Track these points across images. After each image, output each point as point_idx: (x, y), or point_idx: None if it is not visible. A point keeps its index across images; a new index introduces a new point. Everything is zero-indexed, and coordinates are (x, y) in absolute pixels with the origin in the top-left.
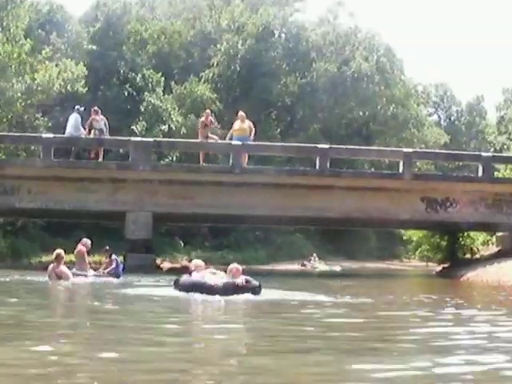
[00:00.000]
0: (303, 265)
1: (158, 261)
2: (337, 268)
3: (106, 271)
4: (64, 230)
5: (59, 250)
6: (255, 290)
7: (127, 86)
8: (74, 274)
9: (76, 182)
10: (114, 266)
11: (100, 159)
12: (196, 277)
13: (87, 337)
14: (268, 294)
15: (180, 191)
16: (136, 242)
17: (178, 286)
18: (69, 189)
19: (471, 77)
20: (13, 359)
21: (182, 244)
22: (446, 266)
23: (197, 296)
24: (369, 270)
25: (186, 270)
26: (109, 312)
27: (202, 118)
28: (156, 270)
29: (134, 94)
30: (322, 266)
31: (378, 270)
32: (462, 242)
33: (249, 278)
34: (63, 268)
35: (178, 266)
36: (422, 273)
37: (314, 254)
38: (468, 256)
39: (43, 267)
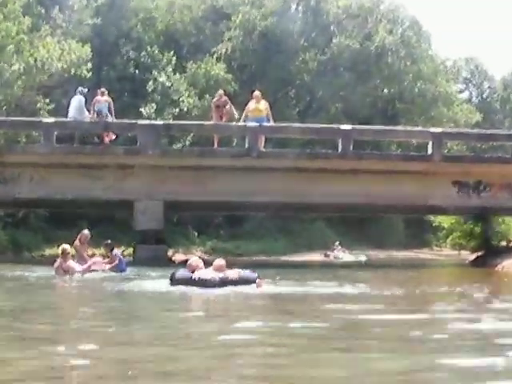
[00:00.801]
0: (326, 255)
1: (170, 252)
2: (362, 258)
3: (107, 267)
4: (68, 220)
5: (65, 246)
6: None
7: (131, 64)
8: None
9: (80, 168)
10: (116, 261)
11: (110, 138)
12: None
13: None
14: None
15: (192, 177)
16: (146, 232)
17: (174, 281)
18: (72, 176)
19: (505, 49)
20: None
21: (196, 234)
22: (479, 254)
23: (195, 290)
24: (397, 260)
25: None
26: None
27: (214, 99)
28: (168, 262)
29: (139, 73)
30: (346, 256)
31: (406, 259)
32: (497, 229)
33: (245, 270)
34: (70, 263)
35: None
36: (455, 262)
37: (337, 243)
38: (504, 244)
39: (48, 261)
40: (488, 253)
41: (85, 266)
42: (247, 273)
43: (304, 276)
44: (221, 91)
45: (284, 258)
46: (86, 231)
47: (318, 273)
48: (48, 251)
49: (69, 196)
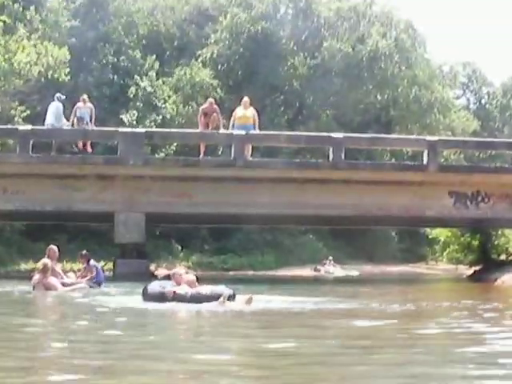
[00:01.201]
0: (316, 269)
1: (153, 267)
2: (355, 272)
3: (84, 280)
4: (46, 233)
5: (46, 260)
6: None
7: (110, 69)
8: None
9: (58, 179)
10: (94, 273)
11: (89, 150)
12: (165, 285)
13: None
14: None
15: (176, 188)
16: (127, 246)
17: (146, 295)
18: (50, 187)
19: (504, 54)
20: None
21: (180, 248)
22: (477, 268)
23: (167, 306)
24: (391, 275)
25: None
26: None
27: (204, 106)
28: (151, 277)
29: (118, 78)
30: (337, 271)
31: (401, 273)
32: (496, 242)
33: (219, 286)
34: (51, 279)
35: None
36: (451, 276)
37: (330, 258)
38: (503, 257)
39: (23, 276)
40: (486, 267)
41: (67, 286)
42: (221, 288)
43: (294, 291)
44: (211, 99)
45: (273, 273)
46: (53, 246)
47: (310, 288)
48: (23, 266)
49: (46, 208)
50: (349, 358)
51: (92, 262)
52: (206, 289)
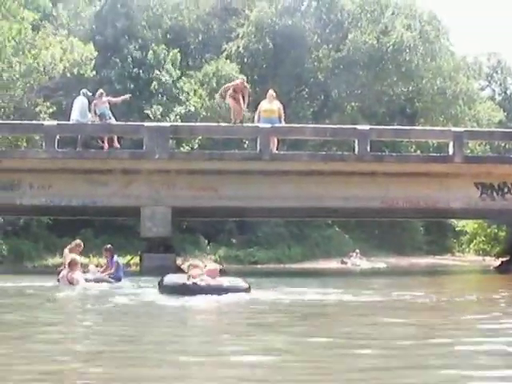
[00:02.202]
0: (343, 262)
1: (179, 261)
2: (381, 265)
3: (104, 274)
4: (72, 228)
5: (74, 256)
6: (244, 291)
7: (132, 63)
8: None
9: (84, 174)
10: (113, 269)
11: (117, 145)
12: (181, 277)
13: None
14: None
15: (201, 182)
16: (153, 240)
17: (162, 287)
18: (76, 182)
19: None
20: None
21: (206, 241)
22: (505, 259)
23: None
24: (418, 267)
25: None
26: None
27: (235, 82)
28: (177, 271)
29: (144, 73)
30: (364, 263)
31: (428, 266)
32: None
33: (236, 278)
34: (76, 274)
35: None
36: (478, 268)
37: (357, 250)
38: None
39: (50, 271)
40: None
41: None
42: (238, 281)
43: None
44: (244, 77)
45: (299, 266)
46: (79, 241)
47: (341, 281)
48: (50, 261)
49: (72, 203)
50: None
51: (115, 257)
52: (225, 280)
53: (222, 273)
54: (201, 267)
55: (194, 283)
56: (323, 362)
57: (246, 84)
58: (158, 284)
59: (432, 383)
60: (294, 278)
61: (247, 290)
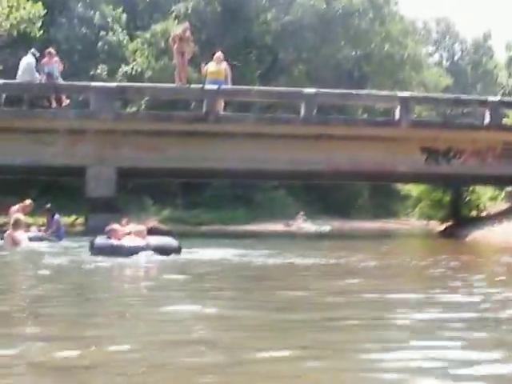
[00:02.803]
0: (288, 225)
1: (124, 221)
2: (326, 228)
3: (46, 234)
4: (16, 188)
5: (18, 215)
6: (175, 251)
7: (82, 23)
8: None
9: (29, 133)
10: (54, 228)
11: (66, 102)
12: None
13: None
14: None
15: (147, 143)
16: (98, 200)
17: (93, 249)
18: (21, 141)
19: (477, 11)
20: None
21: (151, 203)
22: (448, 224)
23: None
24: (363, 230)
25: (153, 231)
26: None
27: (177, 32)
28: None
29: (90, 33)
30: (309, 226)
31: (372, 229)
32: (467, 198)
33: (166, 237)
34: (19, 234)
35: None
36: (423, 232)
37: (302, 213)
38: (474, 214)
39: None
40: (458, 223)
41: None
42: (169, 240)
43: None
44: (187, 24)
45: (244, 228)
46: (29, 201)
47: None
48: None
49: (17, 162)
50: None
51: (56, 216)
52: (154, 240)
53: (167, 234)
54: (121, 230)
55: (120, 244)
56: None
57: (188, 31)
58: (89, 245)
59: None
60: (236, 239)
61: (177, 250)
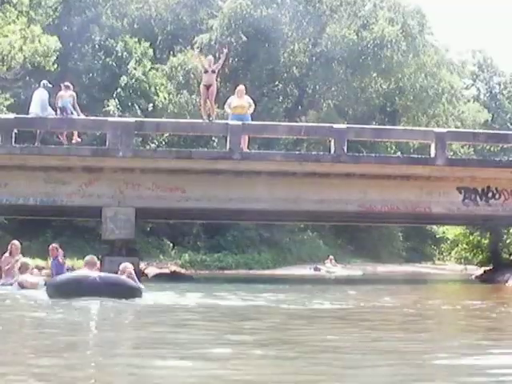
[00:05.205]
0: (316, 269)
1: (143, 265)
2: (358, 272)
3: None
4: (30, 229)
5: (24, 259)
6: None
7: (102, 54)
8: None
9: (43, 171)
10: (53, 268)
11: (77, 140)
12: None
13: None
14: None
15: (167, 182)
16: (115, 242)
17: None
18: (34, 180)
19: None
20: None
21: (171, 245)
22: (487, 269)
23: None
24: (397, 274)
25: (176, 275)
26: None
27: (207, 65)
28: (140, 275)
29: (114, 65)
30: (339, 270)
31: (407, 274)
32: (508, 241)
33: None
34: (22, 277)
35: (166, 271)
36: (460, 277)
37: (331, 257)
38: None
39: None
40: (497, 267)
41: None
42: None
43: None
44: (210, 57)
45: (269, 272)
46: (15, 241)
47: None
48: None
49: (30, 201)
50: None
51: (59, 257)
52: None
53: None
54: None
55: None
56: None
57: (213, 64)
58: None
59: None
60: (257, 284)
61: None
